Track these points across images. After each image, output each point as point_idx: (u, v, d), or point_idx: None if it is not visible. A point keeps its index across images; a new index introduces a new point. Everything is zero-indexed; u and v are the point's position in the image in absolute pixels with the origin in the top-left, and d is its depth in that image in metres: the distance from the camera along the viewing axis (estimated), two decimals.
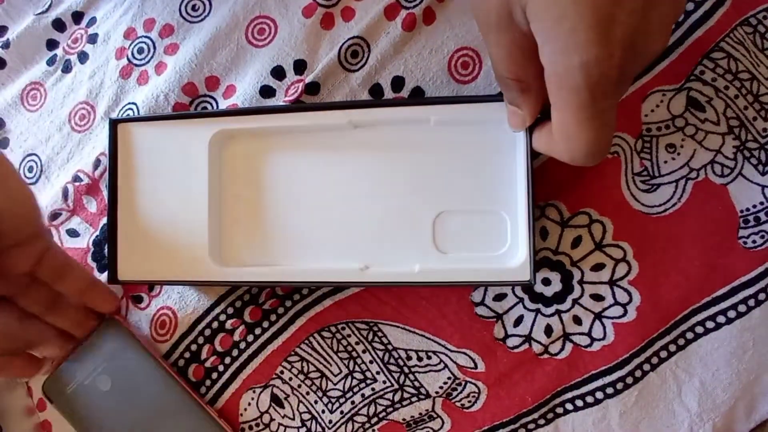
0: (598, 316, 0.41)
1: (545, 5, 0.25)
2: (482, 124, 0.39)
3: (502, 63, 0.30)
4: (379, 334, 0.43)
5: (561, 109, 0.28)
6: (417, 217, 0.40)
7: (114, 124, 0.43)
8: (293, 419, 0.44)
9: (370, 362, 0.43)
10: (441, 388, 0.42)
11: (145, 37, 0.48)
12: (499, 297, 0.42)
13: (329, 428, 0.43)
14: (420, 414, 0.43)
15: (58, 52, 0.51)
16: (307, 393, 0.44)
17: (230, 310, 0.44)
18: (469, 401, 0.42)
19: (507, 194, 0.39)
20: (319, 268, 0.41)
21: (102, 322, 0.45)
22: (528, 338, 0.42)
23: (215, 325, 0.45)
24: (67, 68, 0.50)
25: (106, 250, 0.44)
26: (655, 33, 0.26)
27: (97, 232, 0.47)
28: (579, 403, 0.41)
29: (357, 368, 0.43)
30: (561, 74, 0.26)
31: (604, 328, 0.41)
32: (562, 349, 0.41)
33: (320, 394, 0.44)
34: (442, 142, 0.40)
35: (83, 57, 0.50)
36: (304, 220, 0.41)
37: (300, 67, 0.45)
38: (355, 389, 0.43)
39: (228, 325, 0.44)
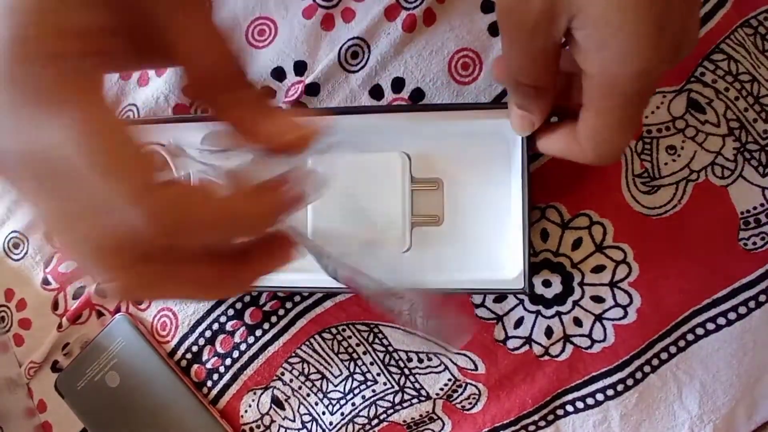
0: (599, 318, 0.41)
1: (604, 13, 0.24)
2: (480, 133, 0.39)
3: (524, 69, 0.29)
4: (380, 335, 0.43)
5: (601, 114, 0.28)
6: (416, 225, 0.40)
7: None
8: (294, 421, 0.44)
9: (371, 364, 0.43)
10: (441, 389, 0.42)
11: None
12: (500, 299, 0.42)
13: (330, 430, 0.43)
14: (420, 416, 0.43)
15: None
16: (308, 395, 0.44)
17: (231, 312, 0.44)
18: (470, 403, 0.42)
19: (502, 202, 0.39)
20: (317, 273, 0.41)
21: (112, 320, 0.45)
22: (528, 340, 0.42)
23: (216, 326, 0.45)
24: None
25: None
26: (692, 31, 0.27)
27: None
28: (579, 404, 0.41)
29: (357, 370, 0.43)
30: (613, 81, 0.26)
31: (605, 329, 0.41)
32: (563, 350, 0.41)
33: (321, 395, 0.44)
34: (440, 149, 0.40)
35: None
36: (301, 225, 0.41)
37: (300, 68, 0.45)
38: (356, 391, 0.43)
39: (228, 326, 0.44)
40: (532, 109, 0.32)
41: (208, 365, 0.45)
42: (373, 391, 0.43)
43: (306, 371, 0.44)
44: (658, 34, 0.24)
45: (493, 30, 0.43)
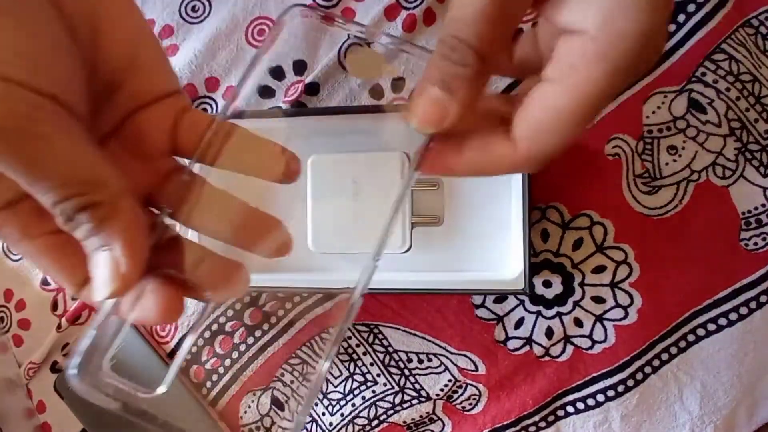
0: (599, 319, 0.41)
1: None
2: None
3: (474, 24, 0.20)
4: (380, 336, 0.43)
5: (578, 90, 0.20)
6: (416, 225, 0.40)
7: None
8: (293, 422, 0.44)
9: (371, 364, 0.43)
10: (442, 390, 0.42)
11: None
12: (500, 299, 0.42)
13: (329, 431, 0.43)
14: (420, 416, 0.43)
15: None
16: None
17: (230, 312, 0.44)
18: (470, 404, 0.42)
19: (502, 202, 0.39)
20: (318, 273, 0.41)
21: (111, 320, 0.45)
22: (529, 341, 0.41)
23: (215, 327, 0.45)
24: None
25: None
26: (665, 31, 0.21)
27: None
28: (580, 405, 0.41)
29: (357, 370, 0.43)
30: (615, 39, 0.20)
31: (605, 330, 0.41)
32: (563, 351, 0.41)
33: (321, 396, 0.44)
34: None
35: None
36: (300, 225, 0.41)
37: (300, 67, 0.44)
38: (356, 392, 0.43)
39: (228, 327, 0.44)
40: (456, 90, 0.21)
41: (208, 366, 0.45)
42: (373, 391, 0.43)
43: (306, 372, 0.44)
44: None
45: None
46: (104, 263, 0.21)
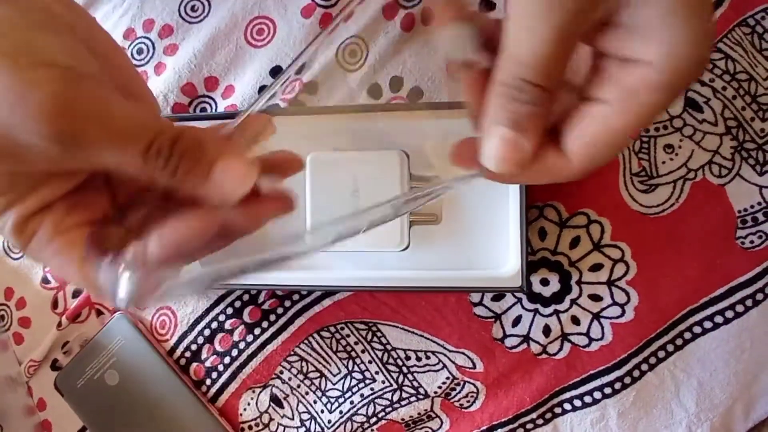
0: (597, 316, 0.41)
1: None
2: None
3: (548, 60, 0.21)
4: (378, 334, 0.43)
5: (631, 112, 0.22)
6: (414, 224, 0.41)
7: None
8: (292, 419, 0.44)
9: (369, 362, 0.43)
10: (440, 388, 0.43)
11: (145, 37, 0.48)
12: (498, 297, 0.42)
13: (328, 428, 0.43)
14: (419, 414, 0.43)
15: None
16: (307, 393, 0.44)
17: (229, 311, 0.45)
18: (468, 401, 0.42)
19: (500, 201, 0.39)
20: (316, 271, 0.41)
21: (111, 319, 0.45)
22: (526, 338, 0.42)
23: (215, 325, 0.45)
24: None
25: None
26: None
27: None
28: (577, 403, 0.41)
29: (356, 368, 0.43)
30: (675, 68, 0.21)
31: (603, 328, 0.41)
32: (561, 349, 0.41)
33: (319, 393, 0.44)
34: (439, 149, 0.40)
35: None
36: (299, 223, 0.41)
37: (299, 66, 0.45)
38: (354, 389, 0.43)
39: (227, 325, 0.45)
40: (529, 128, 0.23)
41: (207, 363, 0.45)
42: (372, 389, 0.43)
43: (305, 369, 0.44)
44: (710, 17, 0.21)
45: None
46: (229, 164, 0.23)
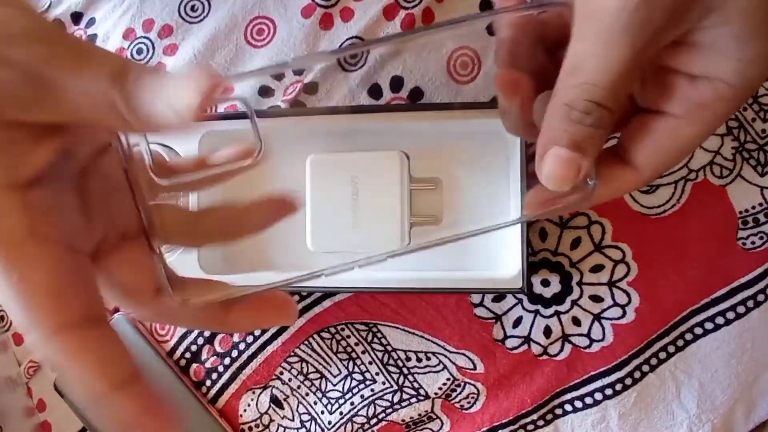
0: (597, 318, 0.41)
1: (753, 10, 0.21)
2: (479, 133, 0.39)
3: (621, 83, 0.22)
4: (379, 335, 0.43)
5: (703, 123, 0.23)
6: (415, 225, 0.40)
7: None
8: (293, 420, 0.44)
9: (370, 363, 0.43)
10: (440, 389, 0.42)
11: (144, 37, 0.48)
12: (498, 298, 0.42)
13: (328, 429, 0.43)
14: (419, 415, 0.43)
15: None
16: (307, 394, 0.44)
17: None
18: (469, 402, 0.42)
19: (501, 201, 0.39)
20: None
21: (110, 320, 0.45)
22: (527, 339, 0.42)
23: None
24: None
25: None
26: None
27: None
28: (578, 404, 0.41)
29: (356, 369, 0.43)
30: (746, 85, 0.22)
31: (603, 329, 0.41)
32: (561, 350, 0.41)
33: (320, 395, 0.44)
34: (439, 148, 0.40)
35: None
36: (299, 224, 0.41)
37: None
38: (355, 390, 0.43)
39: None
40: (589, 148, 0.23)
41: (207, 364, 0.45)
42: (372, 390, 0.43)
43: (305, 370, 0.44)
44: None
45: (492, 29, 0.43)
46: (186, 79, 0.20)
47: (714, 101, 0.23)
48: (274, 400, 0.44)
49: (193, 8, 0.47)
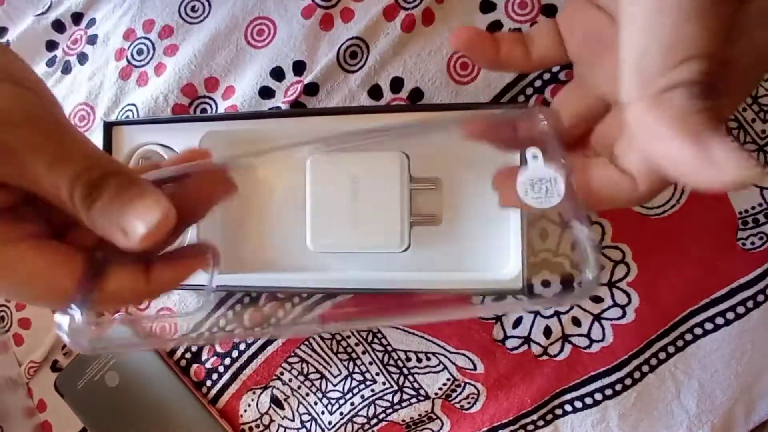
0: (597, 318, 0.41)
1: None
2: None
3: (721, 35, 0.19)
4: (379, 335, 0.43)
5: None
6: (415, 225, 0.41)
7: (108, 127, 0.43)
8: (293, 420, 0.44)
9: (370, 363, 0.43)
10: (440, 389, 0.42)
11: (145, 38, 0.48)
12: (498, 298, 0.42)
13: (329, 429, 0.43)
14: (419, 415, 0.43)
15: (58, 53, 0.50)
16: (307, 394, 0.44)
17: (230, 314, 0.45)
18: (469, 402, 0.42)
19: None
20: (316, 273, 0.41)
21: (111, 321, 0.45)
22: (527, 340, 0.42)
23: (215, 329, 0.45)
24: (66, 69, 0.50)
25: None
26: None
27: None
28: (578, 404, 0.41)
29: (357, 369, 0.43)
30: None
31: (603, 329, 0.41)
32: (561, 350, 0.41)
33: (320, 395, 0.44)
34: (439, 149, 0.40)
35: (83, 58, 0.50)
36: (299, 224, 0.41)
37: (299, 68, 0.45)
38: (355, 390, 0.43)
39: (228, 328, 0.45)
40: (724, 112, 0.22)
41: (208, 365, 0.45)
42: (372, 390, 0.43)
43: (305, 371, 0.44)
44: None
45: (492, 30, 0.43)
46: (139, 210, 0.21)
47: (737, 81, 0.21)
48: (275, 401, 0.44)
49: (193, 9, 0.47)
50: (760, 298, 0.40)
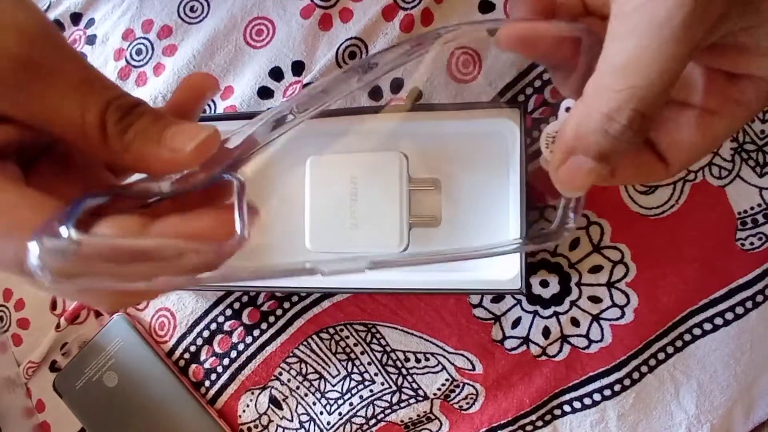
0: (596, 318, 0.41)
1: None
2: (478, 133, 0.39)
3: (663, 91, 0.20)
4: (378, 335, 0.43)
5: (737, 119, 0.23)
6: (414, 226, 0.40)
7: None
8: (291, 421, 0.44)
9: (369, 364, 0.43)
10: (439, 389, 0.42)
11: (144, 38, 0.48)
12: (497, 299, 0.42)
13: (327, 430, 0.43)
14: (418, 415, 0.43)
15: None
16: (306, 394, 0.44)
17: (228, 312, 0.45)
18: (467, 403, 0.42)
19: (500, 202, 0.39)
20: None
21: (110, 320, 0.45)
22: (526, 340, 0.42)
23: (214, 326, 0.45)
24: None
25: None
26: None
27: None
28: (577, 405, 0.41)
29: (355, 370, 0.43)
30: None
31: (602, 330, 0.41)
32: (560, 350, 0.41)
33: (318, 395, 0.44)
34: (438, 149, 0.40)
35: None
36: (298, 225, 0.41)
37: (298, 68, 0.45)
38: (354, 391, 0.43)
39: (226, 326, 0.45)
40: (615, 158, 0.22)
41: (206, 365, 0.45)
42: (371, 391, 0.43)
43: (304, 371, 0.44)
44: None
45: (491, 30, 0.43)
46: (184, 128, 0.21)
47: (753, 99, 0.23)
48: (273, 401, 0.44)
49: (192, 9, 0.47)
50: (759, 298, 0.40)
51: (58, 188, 0.22)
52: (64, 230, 0.17)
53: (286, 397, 0.44)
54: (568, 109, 0.24)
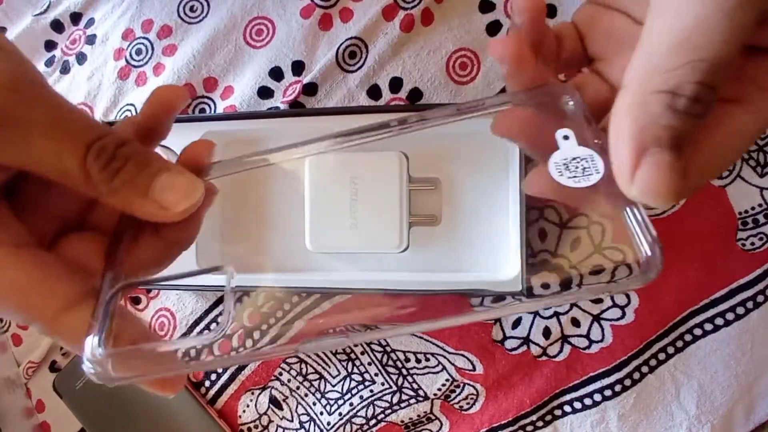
0: (597, 319, 0.41)
1: None
2: (478, 133, 0.39)
3: (727, 65, 0.18)
4: None
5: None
6: (414, 225, 0.40)
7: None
8: (292, 421, 0.44)
9: (369, 364, 0.43)
10: (439, 390, 0.42)
11: (144, 38, 0.48)
12: (498, 299, 0.42)
13: (327, 430, 0.43)
14: (418, 416, 0.43)
15: (57, 53, 0.50)
16: (306, 395, 0.44)
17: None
18: (468, 403, 0.42)
19: (500, 202, 0.39)
20: (315, 273, 0.41)
21: None
22: (526, 340, 0.42)
23: (214, 326, 0.45)
24: (65, 69, 0.50)
25: None
26: None
27: None
28: (577, 405, 0.41)
29: (355, 370, 0.43)
30: None
31: (603, 330, 0.41)
32: (561, 351, 0.41)
33: (319, 395, 0.44)
34: (438, 149, 0.40)
35: (81, 58, 0.49)
36: (298, 225, 0.41)
37: (298, 68, 0.44)
38: (354, 391, 0.43)
39: (227, 330, 0.44)
40: (686, 147, 0.18)
41: None
42: (371, 391, 0.43)
43: (304, 371, 0.44)
44: None
45: (491, 30, 0.43)
46: (173, 179, 0.21)
47: None
48: (273, 401, 0.44)
49: (192, 9, 0.47)
50: (760, 298, 0.40)
51: (45, 204, 0.22)
52: (97, 349, 0.22)
53: (287, 398, 0.44)
54: (566, 137, 0.23)
